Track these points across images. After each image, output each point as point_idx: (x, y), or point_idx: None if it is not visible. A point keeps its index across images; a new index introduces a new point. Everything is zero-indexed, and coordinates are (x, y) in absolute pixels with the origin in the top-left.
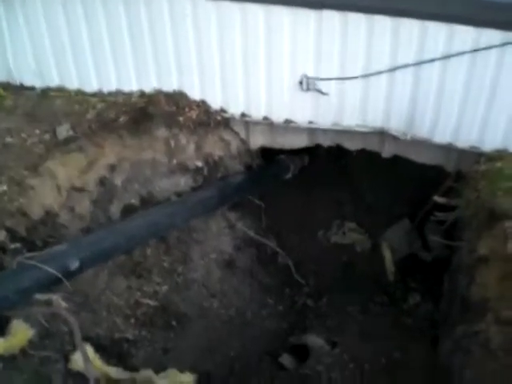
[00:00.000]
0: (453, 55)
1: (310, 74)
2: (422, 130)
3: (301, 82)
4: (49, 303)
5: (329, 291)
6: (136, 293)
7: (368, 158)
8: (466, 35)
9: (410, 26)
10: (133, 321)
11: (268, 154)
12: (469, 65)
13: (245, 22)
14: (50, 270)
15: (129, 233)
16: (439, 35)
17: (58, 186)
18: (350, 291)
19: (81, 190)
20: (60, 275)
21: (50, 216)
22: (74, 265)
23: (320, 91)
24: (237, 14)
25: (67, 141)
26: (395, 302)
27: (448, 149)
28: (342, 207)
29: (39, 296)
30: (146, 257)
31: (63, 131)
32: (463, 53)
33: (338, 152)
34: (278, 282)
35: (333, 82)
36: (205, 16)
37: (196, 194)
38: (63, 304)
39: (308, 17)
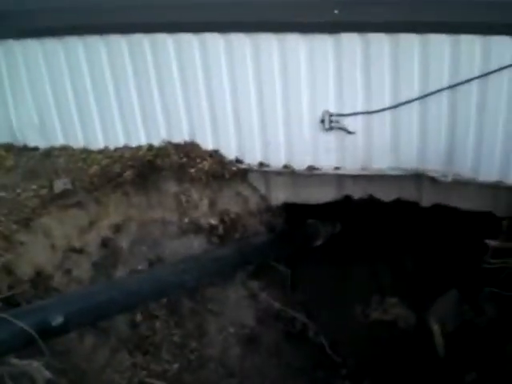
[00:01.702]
0: (492, 71)
1: (332, 109)
2: (465, 168)
3: (322, 121)
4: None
5: (370, 373)
6: (141, 371)
7: (405, 212)
8: (503, 46)
9: (441, 42)
10: None
11: (292, 217)
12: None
13: (257, 55)
14: (21, 324)
15: (128, 288)
16: (474, 49)
17: (52, 244)
18: (395, 372)
19: (80, 251)
20: (34, 332)
21: (41, 277)
22: (57, 320)
23: (345, 129)
24: (248, 47)
25: (65, 195)
26: (449, 382)
27: (496, 189)
28: (380, 279)
29: (15, 361)
30: (154, 330)
31: (61, 185)
32: (503, 67)
33: (370, 210)
34: (310, 362)
35: (358, 117)
36: (214, 53)
37: (211, 252)
38: (46, 373)
39: (325, 43)
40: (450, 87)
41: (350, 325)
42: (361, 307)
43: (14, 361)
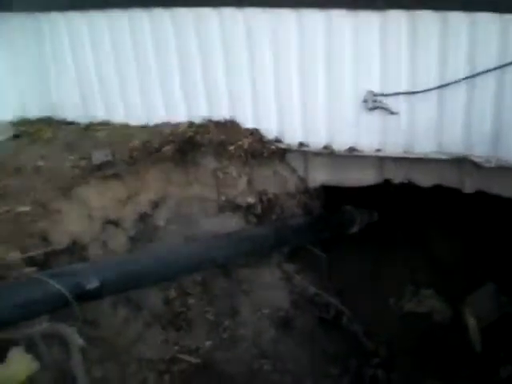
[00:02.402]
0: None
1: (376, 89)
2: (510, 153)
3: (365, 101)
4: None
5: (403, 363)
6: (174, 347)
7: (446, 199)
8: None
9: (489, 21)
10: (167, 378)
11: (329, 201)
12: None
13: (301, 31)
14: (56, 284)
15: (164, 259)
16: None
17: (89, 215)
18: (429, 364)
19: (117, 223)
20: (67, 293)
21: (77, 246)
22: (92, 284)
23: (388, 110)
24: (293, 22)
25: (104, 166)
26: (484, 376)
27: None
28: (415, 269)
29: (47, 324)
30: (187, 307)
31: (100, 156)
32: None
33: (410, 195)
34: (343, 349)
35: (402, 97)
36: (258, 29)
37: (247, 231)
38: (79, 340)
39: (371, 20)
40: (498, 68)
41: (383, 314)
42: (395, 297)
43: (46, 324)
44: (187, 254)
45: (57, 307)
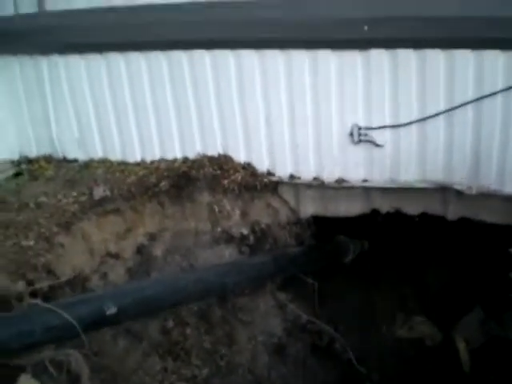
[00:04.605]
0: None
1: (361, 123)
2: (489, 180)
3: (351, 134)
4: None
5: None
6: (172, 375)
7: (431, 227)
8: None
9: (465, 57)
10: None
11: (319, 232)
12: None
13: (290, 70)
14: (64, 314)
15: (174, 285)
16: (498, 64)
17: (91, 248)
18: None
19: (116, 256)
20: (76, 323)
21: (79, 279)
22: (111, 310)
23: (373, 142)
24: (281, 62)
25: (103, 202)
26: None
27: None
28: (406, 297)
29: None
30: (185, 336)
31: (100, 191)
32: None
33: (397, 224)
34: (336, 375)
35: (386, 130)
36: (248, 68)
37: (249, 259)
38: (85, 368)
39: (355, 58)
40: (475, 101)
41: (375, 341)
42: (386, 324)
43: (54, 351)
44: (197, 279)
45: (66, 337)
